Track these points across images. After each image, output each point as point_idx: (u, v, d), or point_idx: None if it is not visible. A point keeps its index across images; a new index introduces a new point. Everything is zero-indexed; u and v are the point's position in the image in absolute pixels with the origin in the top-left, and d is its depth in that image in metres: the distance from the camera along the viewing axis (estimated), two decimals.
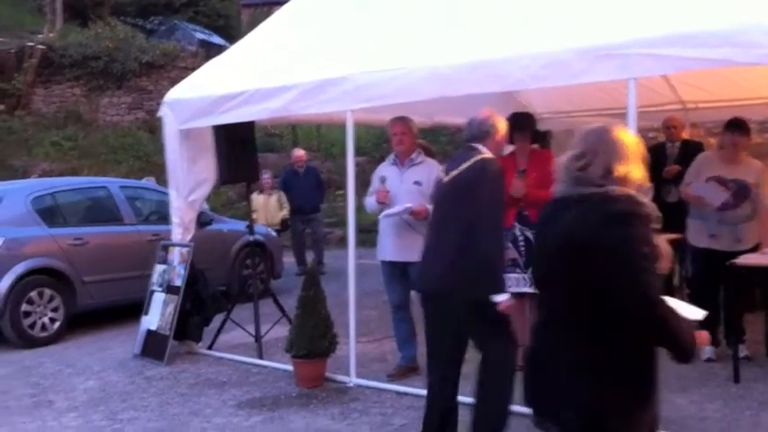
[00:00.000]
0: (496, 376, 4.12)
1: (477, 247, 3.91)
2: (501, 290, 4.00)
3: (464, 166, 4.09)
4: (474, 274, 3.93)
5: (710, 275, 5.75)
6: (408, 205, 5.49)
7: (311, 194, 11.67)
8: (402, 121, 5.73)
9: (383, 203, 5.64)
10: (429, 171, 5.69)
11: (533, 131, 5.89)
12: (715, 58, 4.22)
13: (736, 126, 5.81)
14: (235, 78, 6.51)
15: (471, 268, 3.93)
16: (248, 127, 6.69)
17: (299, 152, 12.05)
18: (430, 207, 5.40)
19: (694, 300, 6.20)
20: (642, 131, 9.84)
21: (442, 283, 4.03)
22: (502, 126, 4.32)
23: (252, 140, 6.89)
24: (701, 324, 5.91)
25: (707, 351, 5.90)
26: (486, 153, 4.14)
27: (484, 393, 4.13)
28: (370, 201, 5.78)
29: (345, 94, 5.59)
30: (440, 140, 18.24)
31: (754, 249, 5.77)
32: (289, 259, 11.61)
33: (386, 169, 5.85)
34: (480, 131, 4.24)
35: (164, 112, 6.94)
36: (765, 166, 6.00)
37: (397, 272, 5.75)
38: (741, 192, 5.74)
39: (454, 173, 4.13)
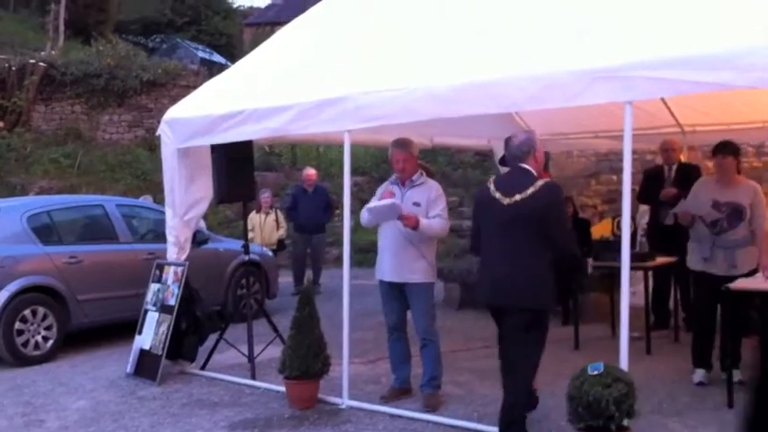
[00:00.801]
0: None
1: (564, 262, 4.63)
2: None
3: (530, 190, 4.48)
4: (554, 288, 4.58)
5: (705, 299, 5.72)
6: (397, 202, 5.47)
7: (316, 214, 11.69)
8: (403, 148, 5.70)
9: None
10: (428, 192, 5.69)
11: None
12: (713, 81, 4.22)
13: (722, 148, 5.83)
14: (234, 98, 6.52)
15: (556, 282, 4.58)
16: (246, 146, 6.68)
17: (310, 171, 12.09)
18: (425, 220, 5.48)
19: (692, 323, 6.19)
20: (640, 154, 9.95)
21: (528, 297, 4.49)
22: (539, 145, 4.74)
23: (250, 159, 6.89)
24: (698, 348, 5.86)
25: (698, 375, 5.87)
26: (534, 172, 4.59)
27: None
28: (366, 212, 5.75)
29: (344, 114, 5.59)
30: (438, 161, 18.28)
31: (750, 275, 5.74)
32: (284, 279, 11.58)
33: (388, 188, 5.84)
34: (521, 152, 4.65)
35: (162, 130, 6.94)
36: (763, 188, 6.00)
37: (395, 292, 5.71)
38: (734, 214, 5.72)
39: (519, 197, 4.49)
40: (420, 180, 5.75)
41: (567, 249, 4.63)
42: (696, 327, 5.98)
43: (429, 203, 5.64)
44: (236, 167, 6.65)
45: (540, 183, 4.51)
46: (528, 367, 4.64)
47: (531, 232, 4.46)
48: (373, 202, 5.60)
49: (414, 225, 5.44)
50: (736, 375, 5.64)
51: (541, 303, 4.57)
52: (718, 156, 5.84)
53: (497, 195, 4.58)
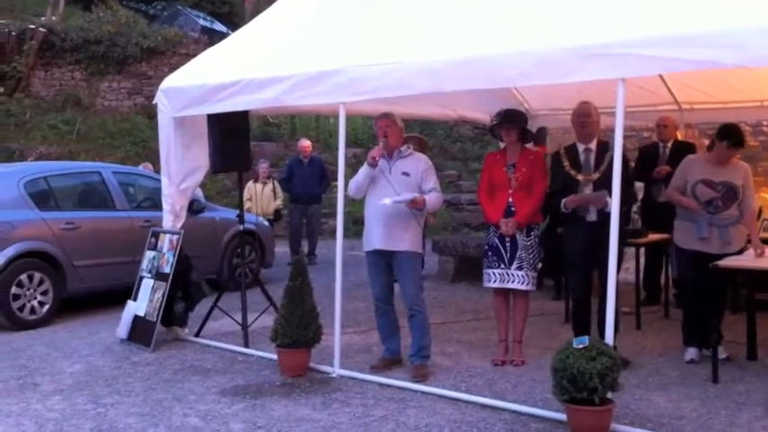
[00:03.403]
0: None
1: None
2: None
3: None
4: None
5: (701, 278, 5.69)
6: (416, 195, 5.55)
7: (312, 184, 11.80)
8: (384, 116, 5.78)
9: (375, 160, 5.62)
10: (417, 163, 5.75)
11: (521, 128, 5.89)
12: (703, 59, 4.24)
13: (735, 139, 5.74)
14: (230, 68, 6.52)
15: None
16: (242, 116, 6.69)
17: (306, 142, 12.21)
18: (427, 198, 5.58)
19: (683, 301, 6.23)
20: (637, 131, 9.97)
21: None
22: None
23: (245, 130, 6.90)
24: (690, 326, 5.93)
25: (690, 353, 5.93)
26: None
27: None
28: (354, 181, 5.79)
29: (339, 86, 5.60)
30: (437, 134, 18.30)
31: (741, 252, 5.79)
32: (282, 249, 11.65)
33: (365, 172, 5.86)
34: None
35: (159, 99, 6.95)
36: (752, 169, 6.02)
37: (383, 262, 5.76)
38: (729, 194, 5.75)
39: None
40: (407, 152, 5.80)
41: None
42: (688, 305, 6.00)
43: (419, 175, 5.68)
44: (232, 137, 6.66)
45: None
46: None
47: None
48: (393, 198, 5.59)
49: (422, 206, 5.56)
50: (722, 352, 5.72)
51: None
52: (726, 144, 5.73)
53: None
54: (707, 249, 5.73)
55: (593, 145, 5.70)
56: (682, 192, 5.91)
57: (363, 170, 5.73)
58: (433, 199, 5.69)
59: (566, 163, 5.73)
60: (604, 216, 5.35)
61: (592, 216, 5.61)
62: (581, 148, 5.73)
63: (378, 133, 5.80)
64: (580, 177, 5.65)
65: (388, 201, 5.55)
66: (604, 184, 5.36)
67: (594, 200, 5.55)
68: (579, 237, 5.65)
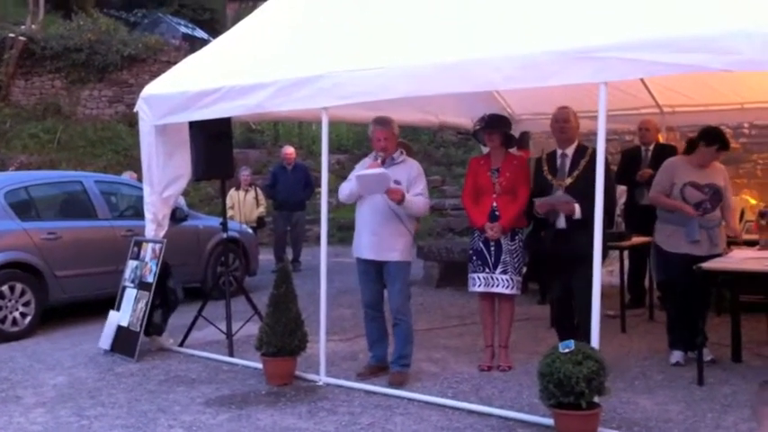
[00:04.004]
0: None
1: None
2: None
3: None
4: None
5: (692, 281, 5.64)
6: (387, 172, 5.48)
7: (296, 191, 11.77)
8: (385, 126, 5.71)
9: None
10: (409, 170, 5.72)
11: (504, 133, 5.90)
12: (687, 63, 4.25)
13: (721, 142, 5.78)
14: (212, 74, 6.48)
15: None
16: (225, 123, 6.65)
17: (289, 149, 12.24)
18: (409, 196, 5.53)
19: (668, 304, 6.24)
20: (619, 134, 10.01)
21: None
22: None
23: (228, 137, 6.86)
24: (676, 329, 5.90)
25: (675, 356, 5.93)
26: None
27: None
28: (347, 185, 5.75)
29: (321, 91, 5.58)
30: (421, 139, 18.29)
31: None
32: (265, 256, 11.59)
33: (369, 164, 5.84)
34: None
35: (140, 107, 6.90)
36: (734, 170, 6.06)
37: (372, 271, 5.74)
38: (716, 195, 5.78)
39: None
40: (400, 158, 5.77)
41: None
42: (676, 308, 5.97)
43: (410, 182, 5.66)
44: (215, 144, 6.62)
45: None
46: None
47: None
48: (360, 171, 5.58)
49: (399, 199, 5.48)
50: (707, 354, 5.73)
51: None
52: (711, 146, 5.76)
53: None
54: (696, 252, 5.71)
55: (569, 150, 5.66)
56: (667, 195, 5.90)
57: (367, 172, 5.63)
58: (418, 202, 5.63)
59: (544, 168, 5.73)
60: (573, 224, 5.39)
61: (561, 223, 5.53)
62: (559, 153, 5.72)
63: (374, 143, 5.74)
64: (554, 182, 5.64)
65: (355, 173, 5.56)
66: (578, 189, 5.37)
67: (561, 204, 5.48)
68: (549, 243, 5.63)
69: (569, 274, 5.48)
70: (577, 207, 5.37)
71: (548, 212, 5.56)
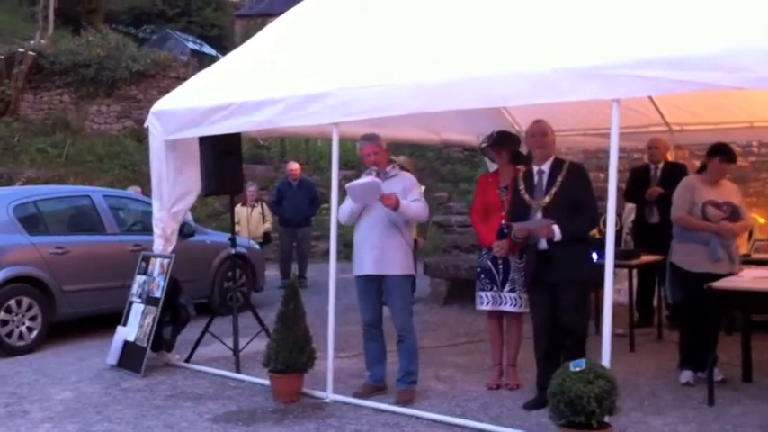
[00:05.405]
0: None
1: None
2: None
3: None
4: None
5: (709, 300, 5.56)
6: (378, 180, 5.50)
7: (301, 207, 11.76)
8: (372, 141, 5.74)
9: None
10: (404, 181, 5.73)
11: (513, 150, 5.90)
12: (699, 80, 4.25)
13: (728, 156, 5.80)
14: (222, 90, 6.50)
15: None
16: (234, 139, 6.67)
17: (294, 165, 12.22)
18: (404, 201, 5.50)
19: (681, 324, 6.19)
20: (628, 152, 9.99)
21: None
22: None
23: (237, 152, 6.87)
24: (689, 349, 5.83)
25: (685, 375, 5.89)
26: None
27: None
28: (347, 211, 5.74)
29: (331, 108, 5.60)
30: (427, 156, 18.31)
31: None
32: (272, 272, 11.58)
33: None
34: None
35: (150, 122, 6.92)
36: (743, 189, 6.06)
37: (372, 287, 5.71)
38: (735, 213, 5.78)
39: None
40: (393, 172, 5.78)
41: None
42: (693, 328, 5.88)
43: (405, 191, 5.66)
44: (224, 160, 6.63)
45: None
46: None
47: None
48: (353, 183, 5.59)
49: (394, 205, 5.45)
50: (718, 374, 5.68)
51: None
52: (719, 160, 5.77)
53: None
54: (718, 270, 5.67)
55: (546, 166, 5.29)
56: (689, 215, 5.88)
57: (360, 181, 5.65)
58: (414, 206, 5.61)
59: (521, 187, 5.35)
60: (555, 244, 5.11)
61: (542, 245, 5.18)
62: (535, 170, 5.34)
63: (365, 160, 5.76)
64: (532, 203, 5.28)
65: (349, 184, 5.56)
66: (557, 208, 5.13)
67: (539, 230, 5.16)
68: (532, 266, 5.29)
69: (555, 298, 5.18)
70: (556, 229, 5.06)
71: (527, 237, 5.27)
